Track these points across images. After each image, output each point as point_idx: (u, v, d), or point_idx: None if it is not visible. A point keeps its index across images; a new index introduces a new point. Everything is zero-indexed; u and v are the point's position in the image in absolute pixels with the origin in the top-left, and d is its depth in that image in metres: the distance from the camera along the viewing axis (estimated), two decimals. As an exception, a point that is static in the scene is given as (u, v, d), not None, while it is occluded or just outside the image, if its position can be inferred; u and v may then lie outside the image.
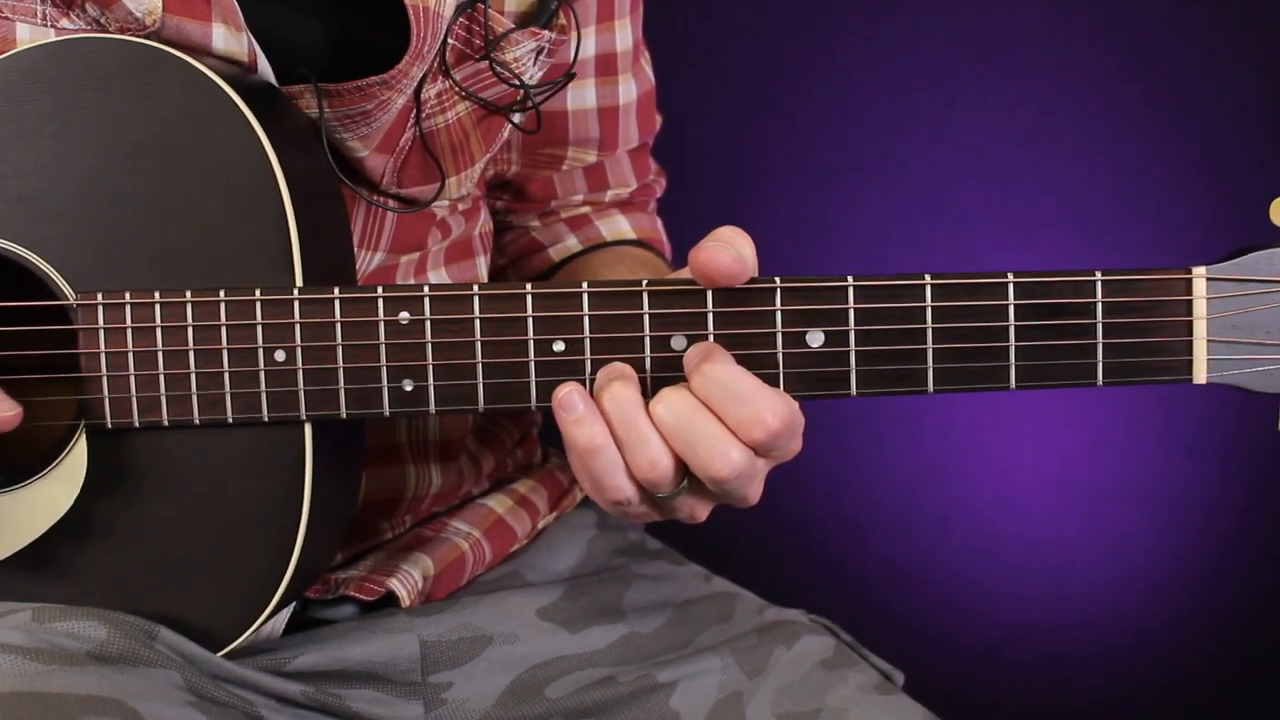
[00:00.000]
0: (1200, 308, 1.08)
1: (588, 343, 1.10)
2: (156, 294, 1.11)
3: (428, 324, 1.10)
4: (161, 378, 1.12)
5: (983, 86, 2.37)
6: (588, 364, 1.10)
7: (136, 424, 1.13)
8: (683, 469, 1.07)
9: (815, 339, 1.08)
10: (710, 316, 1.09)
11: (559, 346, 1.10)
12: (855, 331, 1.08)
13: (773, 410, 1.05)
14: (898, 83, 2.38)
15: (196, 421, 1.13)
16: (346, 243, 1.21)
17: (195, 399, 1.12)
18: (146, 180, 1.11)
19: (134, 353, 1.12)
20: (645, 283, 1.09)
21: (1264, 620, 2.44)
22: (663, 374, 1.09)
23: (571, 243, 1.50)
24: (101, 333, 1.12)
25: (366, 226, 1.28)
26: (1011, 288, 1.08)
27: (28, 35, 1.15)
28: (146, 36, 1.13)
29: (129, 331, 1.12)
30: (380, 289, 1.10)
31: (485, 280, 1.43)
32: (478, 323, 1.10)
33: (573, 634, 1.33)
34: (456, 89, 1.27)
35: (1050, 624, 2.47)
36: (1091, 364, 1.09)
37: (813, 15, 2.37)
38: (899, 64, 2.38)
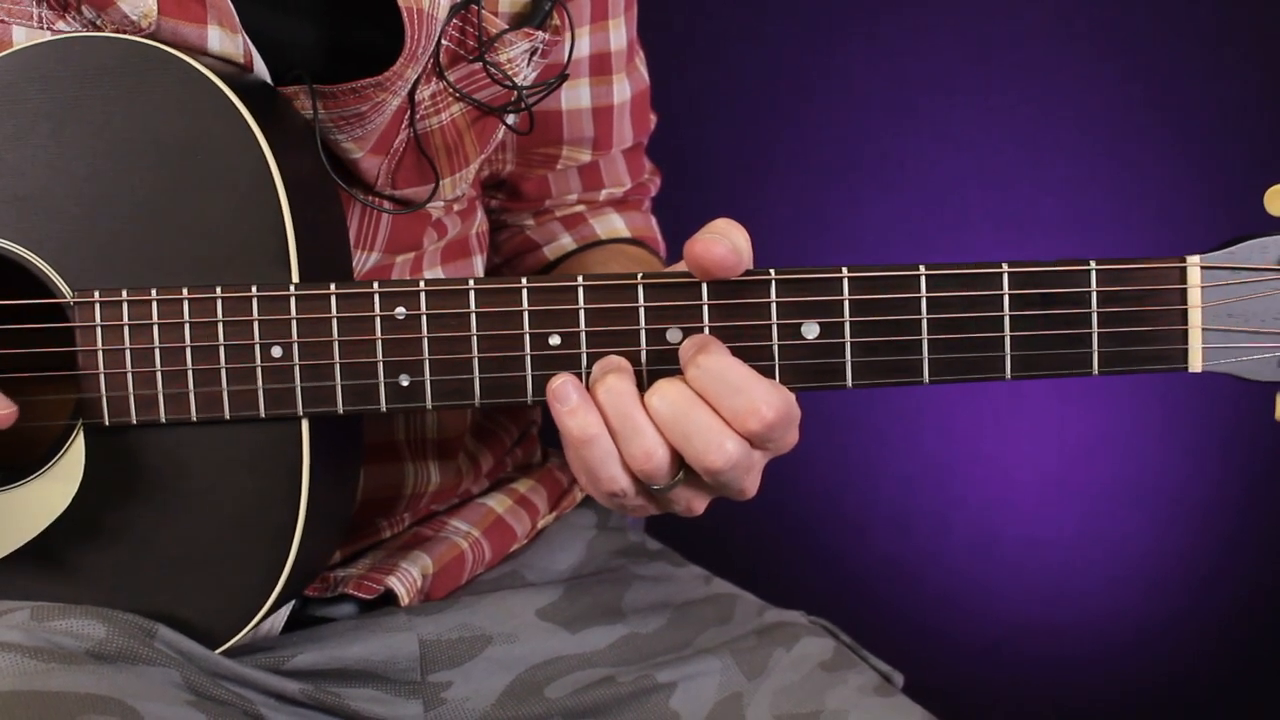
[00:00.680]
0: (1195, 296, 1.08)
1: (583, 336, 1.10)
2: (153, 291, 1.11)
3: (424, 318, 1.10)
4: (158, 375, 1.12)
5: (983, 86, 2.37)
6: (584, 357, 1.10)
7: (134, 422, 1.13)
8: (678, 461, 1.07)
9: (811, 330, 1.08)
10: (706, 309, 1.09)
11: (555, 340, 1.10)
12: (850, 323, 1.08)
13: (767, 401, 1.05)
14: (898, 83, 2.38)
15: (194, 419, 1.12)
16: (343, 240, 1.21)
17: (192, 396, 1.12)
18: (143, 178, 1.12)
19: (131, 350, 1.12)
20: (641, 276, 1.09)
21: (1264, 620, 2.44)
22: (659, 366, 1.09)
23: (566, 241, 1.50)
24: (98, 330, 1.12)
25: (362, 227, 1.28)
26: (1006, 277, 1.08)
27: (23, 38, 1.15)
28: (142, 38, 1.13)
29: (126, 329, 1.12)
30: (376, 284, 1.10)
31: None
32: (474, 317, 1.10)
33: (572, 634, 1.33)
34: (450, 90, 1.27)
35: (1050, 624, 2.47)
36: (1087, 353, 1.08)
37: (813, 15, 2.37)
38: (899, 64, 2.38)
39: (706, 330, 1.09)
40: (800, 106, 2.40)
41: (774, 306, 1.08)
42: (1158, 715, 2.48)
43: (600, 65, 1.43)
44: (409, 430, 1.36)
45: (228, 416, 1.12)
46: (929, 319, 1.09)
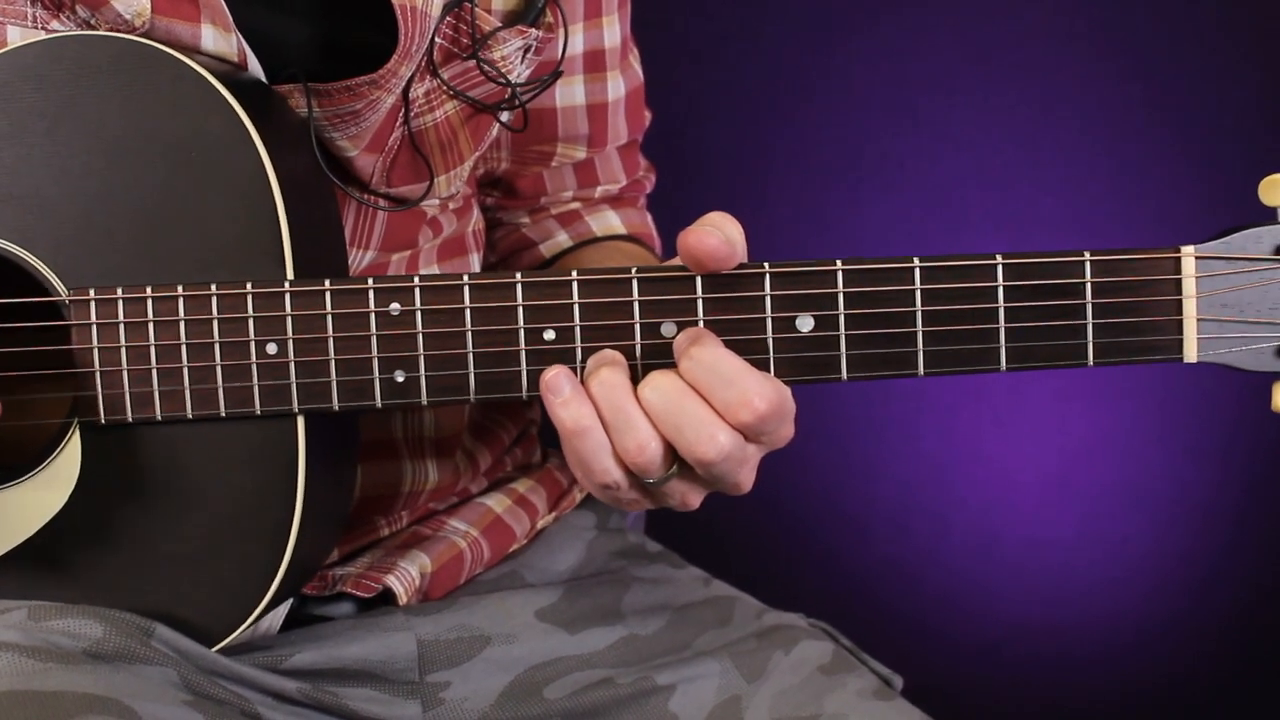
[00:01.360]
0: (1189, 286, 1.07)
1: (578, 331, 1.09)
2: (148, 289, 1.11)
3: (418, 314, 1.10)
4: (154, 373, 1.12)
5: (983, 86, 2.37)
6: (578, 352, 1.10)
7: (130, 420, 1.13)
8: (672, 454, 1.07)
9: (805, 324, 1.08)
10: (700, 303, 1.09)
11: (549, 335, 1.10)
12: (845, 315, 1.08)
13: (760, 393, 1.05)
14: (898, 83, 2.38)
15: (189, 417, 1.12)
16: (339, 238, 1.21)
17: (188, 394, 1.12)
18: (138, 177, 1.11)
19: (126, 348, 1.12)
20: (635, 270, 1.09)
21: (1264, 620, 2.44)
22: (653, 361, 1.09)
23: (562, 239, 1.50)
24: (94, 329, 1.12)
25: (357, 225, 1.28)
26: (1000, 269, 1.07)
27: (18, 37, 1.16)
28: (136, 37, 1.13)
29: (121, 327, 1.12)
30: (371, 280, 1.10)
31: None
32: (468, 312, 1.10)
33: (571, 635, 1.33)
34: (444, 88, 1.27)
35: (1050, 624, 2.47)
36: (1082, 344, 1.08)
37: (813, 15, 2.37)
38: (899, 64, 2.38)
39: (701, 324, 1.09)
40: (800, 106, 2.40)
41: (768, 300, 1.08)
42: (1158, 716, 2.48)
43: (594, 62, 1.43)
44: (407, 428, 1.36)
45: (224, 414, 1.12)
46: (923, 311, 1.08)
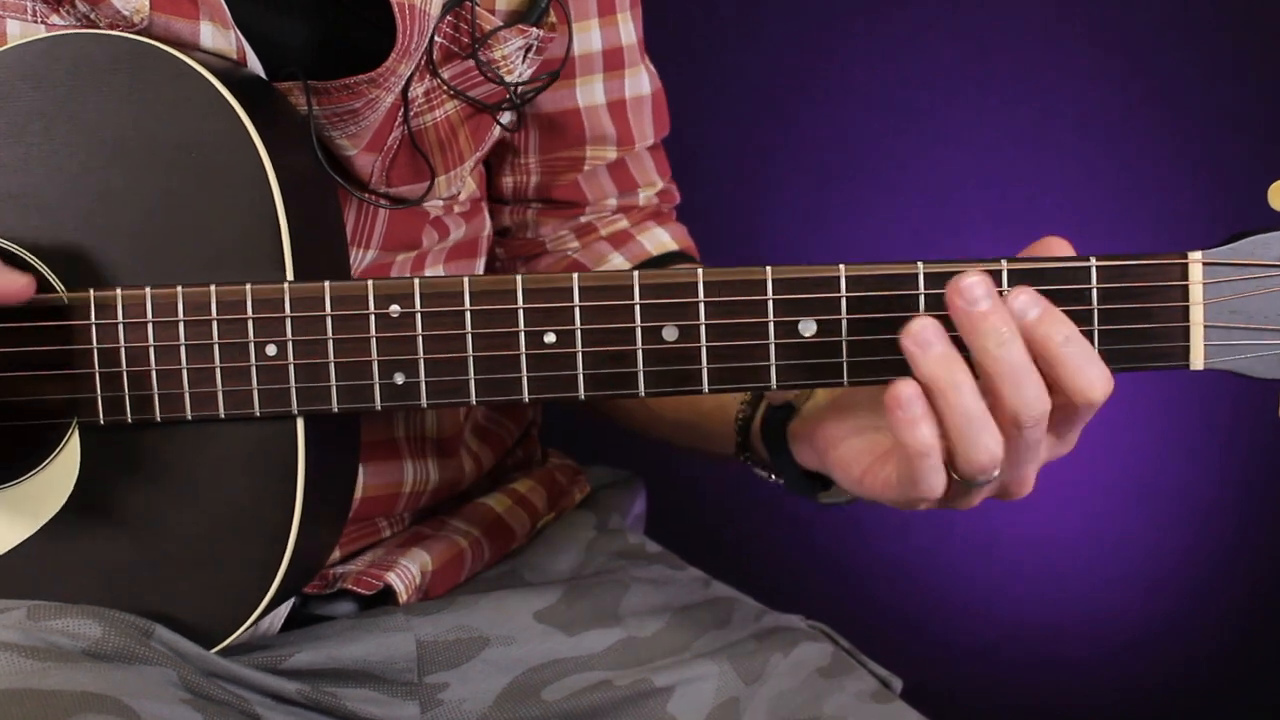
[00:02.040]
0: (1197, 293, 1.06)
1: (579, 334, 1.09)
2: (147, 289, 1.11)
3: (418, 317, 1.10)
4: (153, 374, 1.12)
5: (983, 86, 2.37)
6: (579, 356, 1.09)
7: (129, 420, 1.13)
8: None
9: (807, 328, 1.08)
10: (702, 307, 1.08)
11: (550, 338, 1.09)
12: (847, 321, 1.07)
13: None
14: (898, 83, 2.37)
15: (189, 418, 1.12)
16: (340, 237, 1.21)
17: (187, 395, 1.12)
18: (137, 176, 1.11)
19: (125, 349, 1.12)
20: (636, 274, 1.09)
21: (1264, 620, 2.43)
22: (655, 367, 1.09)
23: (618, 261, 1.47)
24: (93, 329, 1.12)
25: (358, 224, 1.28)
26: (1006, 275, 1.07)
27: (18, 31, 1.15)
28: (135, 34, 1.13)
29: (120, 327, 1.12)
30: (370, 283, 1.10)
31: None
32: (468, 315, 1.10)
33: (570, 636, 1.33)
34: (444, 87, 1.27)
35: (1050, 624, 2.47)
36: None
37: (813, 15, 2.37)
38: (899, 64, 2.38)
39: (703, 328, 1.08)
40: (800, 106, 2.39)
41: (770, 304, 1.08)
42: (1158, 716, 2.48)
43: (613, 60, 1.42)
44: (409, 428, 1.36)
45: (223, 415, 1.12)
46: (927, 317, 1.08)
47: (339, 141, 1.22)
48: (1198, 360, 1.08)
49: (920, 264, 1.07)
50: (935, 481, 1.06)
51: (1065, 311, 1.05)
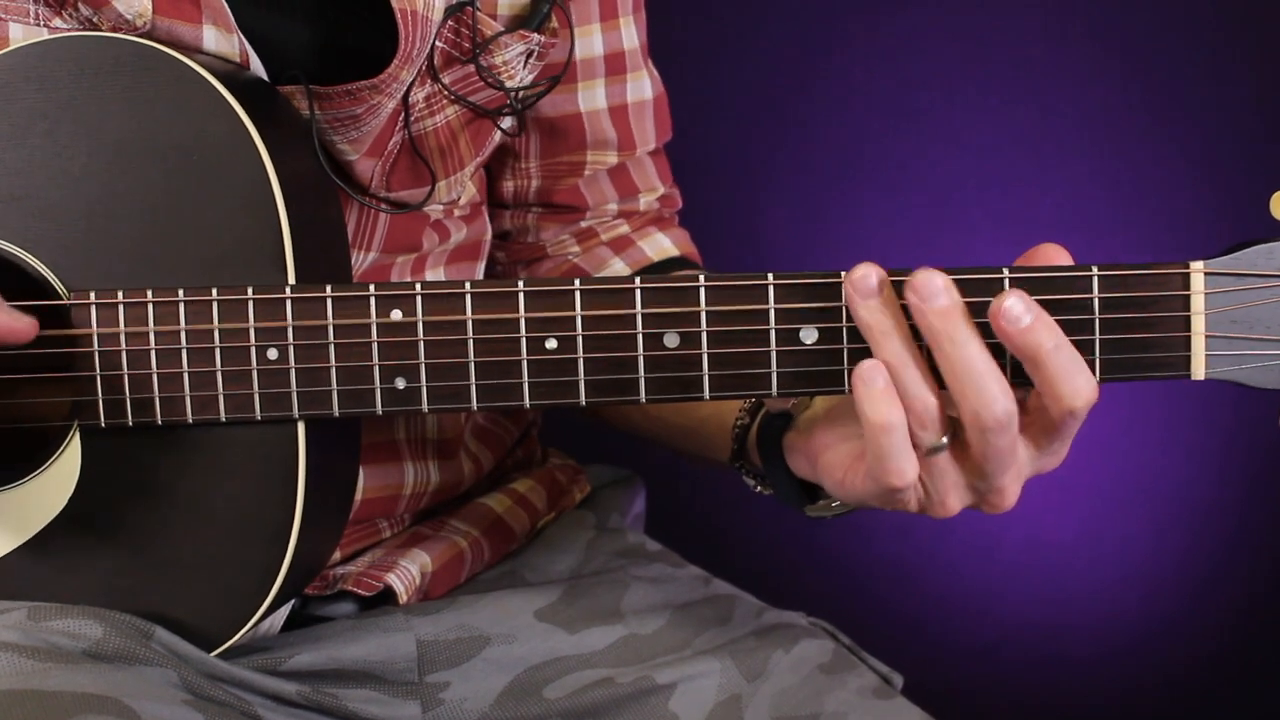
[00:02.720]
0: (1198, 303, 1.06)
1: (580, 340, 1.09)
2: (149, 293, 1.11)
3: (420, 322, 1.10)
4: (154, 377, 1.12)
5: (983, 86, 2.37)
6: (580, 363, 1.09)
7: (130, 424, 1.13)
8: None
9: (809, 336, 1.08)
10: (703, 314, 1.08)
11: (551, 344, 1.09)
12: (849, 328, 1.07)
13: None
14: (898, 83, 2.37)
15: (190, 421, 1.12)
16: (342, 240, 1.21)
17: (188, 399, 1.12)
18: (139, 178, 1.11)
19: (127, 352, 1.12)
20: (638, 280, 1.09)
21: (1264, 621, 2.44)
22: (656, 374, 1.09)
23: (619, 266, 1.48)
24: (95, 331, 1.12)
25: (359, 227, 1.28)
26: (1007, 283, 1.06)
27: (20, 35, 1.16)
28: (138, 37, 1.13)
29: (122, 330, 1.12)
30: (372, 287, 1.10)
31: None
32: (470, 321, 1.10)
33: (571, 635, 1.33)
34: (445, 92, 1.27)
35: (1050, 624, 2.47)
36: (1089, 360, 1.06)
37: (813, 15, 2.37)
38: (899, 64, 2.37)
39: (704, 335, 1.08)
40: (800, 107, 2.39)
41: (772, 312, 1.08)
42: (1158, 716, 2.48)
43: (615, 64, 1.42)
44: (409, 430, 1.36)
45: (224, 418, 1.12)
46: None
47: (340, 146, 1.22)
48: (1199, 370, 1.07)
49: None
50: (903, 463, 1.06)
51: (1066, 320, 1.04)
